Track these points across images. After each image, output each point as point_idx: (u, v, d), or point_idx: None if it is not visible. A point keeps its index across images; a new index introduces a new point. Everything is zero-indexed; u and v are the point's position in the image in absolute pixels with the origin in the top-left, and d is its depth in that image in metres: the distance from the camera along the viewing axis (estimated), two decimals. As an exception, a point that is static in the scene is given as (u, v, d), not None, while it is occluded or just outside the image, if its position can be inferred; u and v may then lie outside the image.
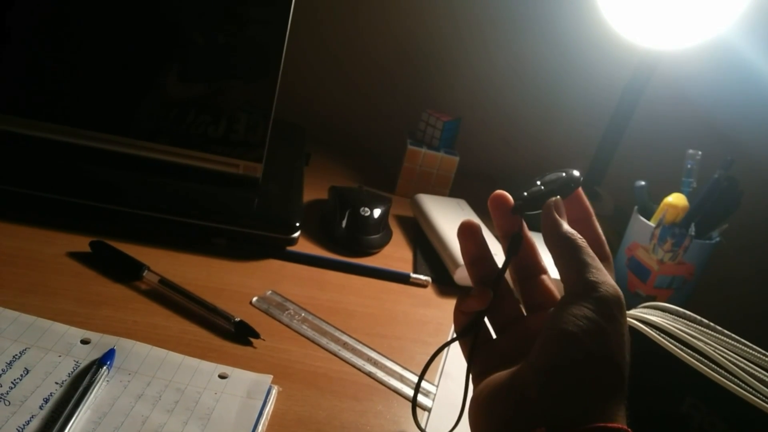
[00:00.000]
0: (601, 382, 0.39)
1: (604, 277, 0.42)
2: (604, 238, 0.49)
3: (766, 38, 1.00)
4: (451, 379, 0.63)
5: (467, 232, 0.50)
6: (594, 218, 0.49)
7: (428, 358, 0.65)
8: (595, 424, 0.37)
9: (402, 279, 0.79)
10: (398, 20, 1.13)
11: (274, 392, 0.55)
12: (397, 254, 0.86)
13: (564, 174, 0.48)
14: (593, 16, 0.97)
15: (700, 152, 0.83)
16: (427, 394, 0.61)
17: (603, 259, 0.47)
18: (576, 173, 0.48)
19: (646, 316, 0.56)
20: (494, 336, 0.50)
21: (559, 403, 0.38)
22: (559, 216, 0.46)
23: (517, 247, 0.48)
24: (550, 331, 0.41)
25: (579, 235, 0.45)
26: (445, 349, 0.68)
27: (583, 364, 0.39)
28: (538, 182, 0.48)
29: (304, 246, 0.80)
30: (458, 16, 1.13)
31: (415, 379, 0.62)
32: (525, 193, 0.48)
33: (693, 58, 1.02)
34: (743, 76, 1.07)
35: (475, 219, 0.92)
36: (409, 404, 0.59)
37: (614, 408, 0.38)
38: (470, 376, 0.49)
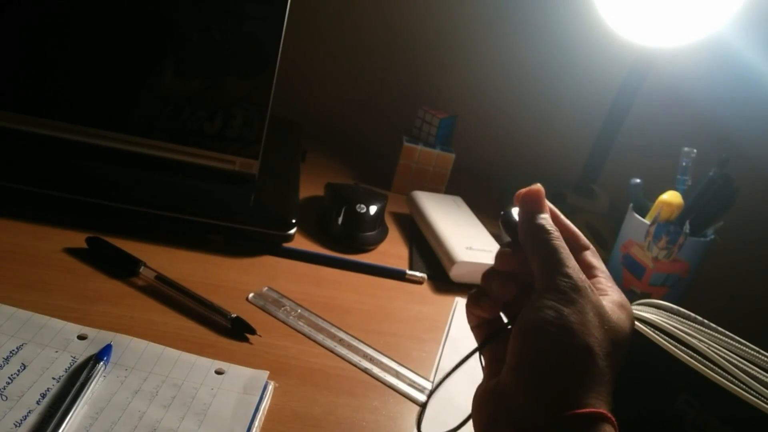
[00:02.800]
0: (569, 364, 0.39)
1: (564, 267, 0.43)
2: (575, 228, 0.49)
3: (761, 36, 1.01)
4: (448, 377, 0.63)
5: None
6: (561, 217, 0.49)
7: (423, 354, 0.66)
8: (567, 412, 0.37)
9: (398, 276, 0.80)
10: (395, 17, 1.13)
11: (270, 388, 0.55)
12: (393, 251, 0.86)
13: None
14: (590, 14, 0.97)
15: (695, 150, 0.83)
16: (422, 390, 0.61)
17: (582, 248, 0.48)
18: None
19: (640, 313, 0.56)
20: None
21: (530, 398, 0.39)
22: (535, 209, 0.46)
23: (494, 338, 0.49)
24: (515, 328, 0.42)
25: (550, 228, 0.45)
26: (440, 347, 0.68)
27: (545, 351, 0.40)
28: None
29: (301, 243, 0.80)
30: (455, 14, 1.13)
31: (411, 374, 0.62)
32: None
33: (689, 56, 1.02)
34: (739, 74, 1.07)
35: (471, 217, 0.92)
36: (406, 400, 0.59)
37: (588, 392, 0.39)
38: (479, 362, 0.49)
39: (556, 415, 0.38)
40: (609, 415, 0.38)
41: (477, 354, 0.50)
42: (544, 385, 0.39)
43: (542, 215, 0.46)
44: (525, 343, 0.41)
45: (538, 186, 0.47)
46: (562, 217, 0.49)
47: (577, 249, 0.48)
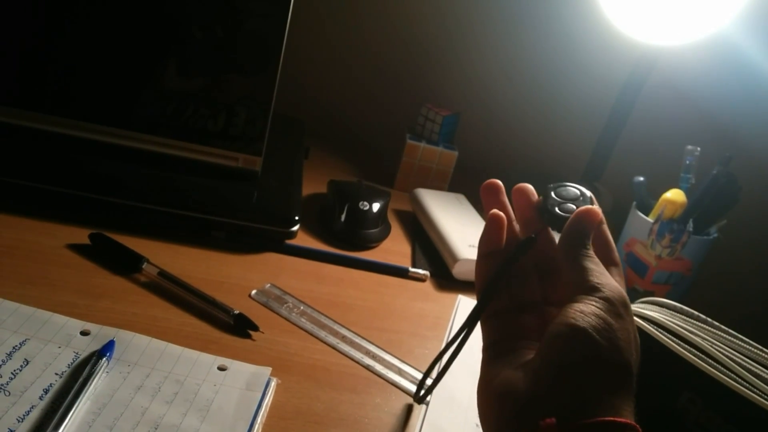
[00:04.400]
0: (610, 377, 0.39)
1: (608, 279, 0.43)
2: (613, 244, 0.49)
3: (765, 35, 1.00)
4: (449, 373, 0.63)
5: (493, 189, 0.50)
6: (605, 224, 0.49)
7: (426, 351, 0.66)
8: (604, 418, 0.38)
9: (400, 273, 0.80)
10: (399, 14, 1.13)
11: (273, 384, 0.55)
12: (395, 248, 0.86)
13: (581, 196, 0.49)
14: (593, 12, 0.97)
15: (698, 148, 0.83)
16: (424, 387, 0.61)
17: (611, 263, 0.48)
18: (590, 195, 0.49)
19: (643, 311, 0.56)
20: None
21: (568, 398, 0.39)
22: (589, 230, 0.46)
23: (527, 248, 0.48)
24: (558, 326, 0.41)
25: (589, 247, 0.45)
26: (444, 343, 0.68)
27: (593, 359, 0.39)
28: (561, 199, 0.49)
29: (303, 240, 0.80)
30: (458, 11, 1.13)
31: (413, 371, 0.62)
32: (558, 210, 0.48)
33: (693, 54, 1.02)
34: (743, 72, 1.07)
35: (474, 214, 0.92)
36: (408, 397, 0.59)
37: (621, 403, 0.39)
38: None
39: (594, 420, 0.38)
40: (638, 427, 0.38)
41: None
42: (586, 391, 0.39)
43: (588, 242, 0.46)
44: (568, 350, 0.40)
45: (599, 213, 0.47)
46: (605, 225, 0.49)
47: (606, 262, 0.47)
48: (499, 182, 0.51)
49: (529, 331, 0.47)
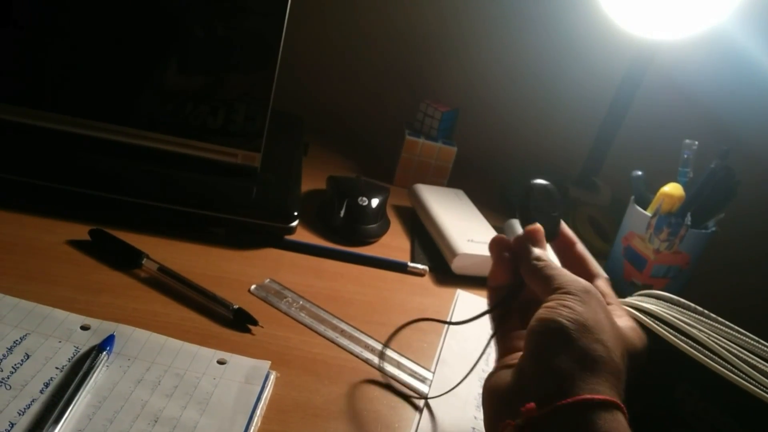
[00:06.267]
0: (584, 358, 0.41)
1: (566, 277, 0.47)
2: (590, 257, 0.54)
3: (763, 29, 1.00)
4: (448, 366, 0.64)
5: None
6: (577, 245, 0.55)
7: (424, 345, 0.66)
8: (581, 396, 0.39)
9: (399, 268, 0.80)
10: (397, 10, 1.13)
11: (272, 378, 0.55)
12: (394, 243, 0.86)
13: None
14: (591, 7, 0.97)
15: (696, 142, 0.83)
16: (423, 380, 0.61)
17: (594, 276, 0.53)
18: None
19: (640, 303, 0.56)
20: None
21: (546, 382, 0.41)
22: (533, 244, 0.52)
23: (515, 297, 0.53)
24: (532, 324, 0.44)
25: (544, 259, 0.50)
26: (441, 338, 0.68)
27: (564, 342, 0.42)
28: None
29: (303, 235, 0.81)
30: (457, 7, 1.13)
31: (412, 365, 0.63)
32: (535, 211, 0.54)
33: (690, 49, 1.02)
34: (740, 66, 1.07)
35: (473, 210, 0.92)
36: (406, 390, 0.59)
37: (602, 382, 0.40)
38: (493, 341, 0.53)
39: (571, 399, 0.39)
40: (620, 403, 0.40)
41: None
42: (563, 373, 0.41)
43: (537, 250, 0.51)
44: (542, 340, 0.43)
45: (537, 226, 0.53)
46: (579, 245, 0.55)
47: (588, 277, 0.51)
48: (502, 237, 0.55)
49: None
